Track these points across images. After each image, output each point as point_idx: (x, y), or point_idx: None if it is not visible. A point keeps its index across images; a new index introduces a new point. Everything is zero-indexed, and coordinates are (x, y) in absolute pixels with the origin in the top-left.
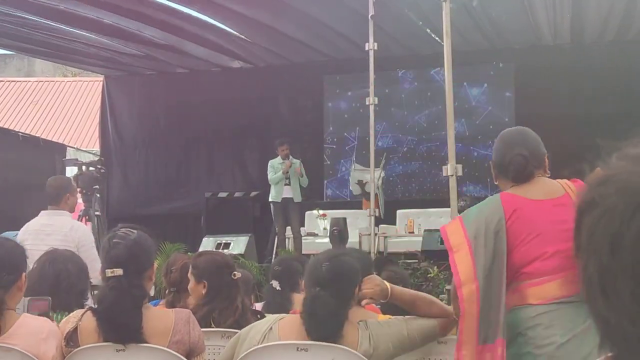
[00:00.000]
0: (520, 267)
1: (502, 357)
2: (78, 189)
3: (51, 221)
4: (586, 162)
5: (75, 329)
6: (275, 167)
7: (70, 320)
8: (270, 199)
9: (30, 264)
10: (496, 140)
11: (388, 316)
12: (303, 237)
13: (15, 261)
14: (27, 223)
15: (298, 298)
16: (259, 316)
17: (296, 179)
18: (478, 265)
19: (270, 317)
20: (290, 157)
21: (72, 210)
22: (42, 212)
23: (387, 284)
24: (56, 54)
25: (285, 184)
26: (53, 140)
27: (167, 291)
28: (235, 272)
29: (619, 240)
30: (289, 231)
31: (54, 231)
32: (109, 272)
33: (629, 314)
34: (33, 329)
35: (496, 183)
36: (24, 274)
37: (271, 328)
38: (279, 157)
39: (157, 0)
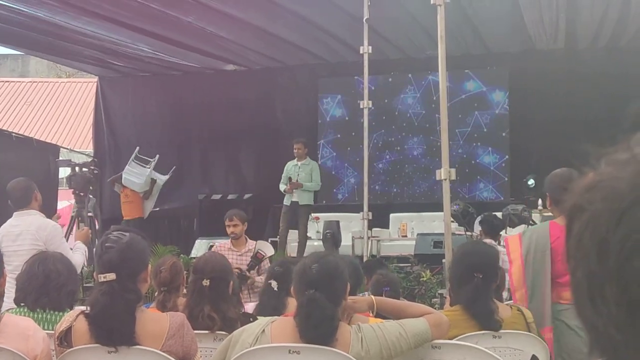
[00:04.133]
0: (556, 277)
1: (550, 340)
2: (71, 190)
3: (19, 221)
4: (575, 167)
5: (69, 329)
6: (288, 170)
7: (65, 320)
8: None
9: (7, 266)
10: (551, 175)
11: (380, 320)
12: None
13: None
14: (2, 226)
15: (293, 302)
16: (251, 319)
17: (307, 182)
18: (527, 275)
19: (262, 320)
20: (308, 157)
21: (41, 206)
22: (14, 213)
23: (373, 297)
24: (51, 51)
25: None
26: (47, 141)
27: (156, 292)
28: (205, 280)
29: (605, 247)
30: (290, 235)
31: (22, 231)
32: (101, 277)
33: (615, 321)
34: (19, 327)
35: (549, 208)
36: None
37: (263, 330)
38: (295, 159)
39: (151, 10)
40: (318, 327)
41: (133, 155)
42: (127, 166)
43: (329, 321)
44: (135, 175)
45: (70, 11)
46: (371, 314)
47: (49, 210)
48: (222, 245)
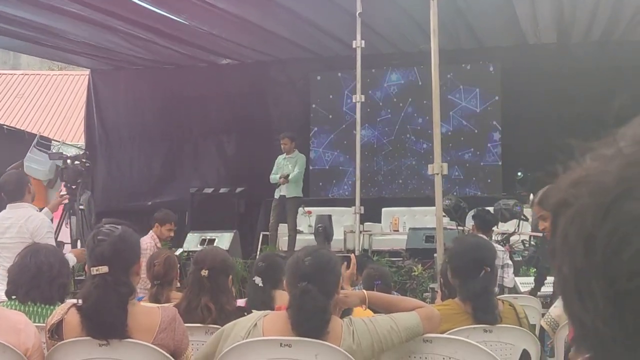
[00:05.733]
0: None
1: None
2: (62, 183)
3: (11, 214)
4: (560, 162)
5: (60, 322)
6: (278, 164)
7: (57, 313)
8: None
9: None
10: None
11: (370, 313)
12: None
13: None
14: None
15: (280, 295)
16: (245, 314)
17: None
18: None
19: (255, 314)
20: (296, 150)
21: (34, 198)
22: (7, 205)
23: (364, 291)
24: (42, 48)
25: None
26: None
27: (150, 285)
28: (204, 270)
29: (592, 241)
30: (280, 229)
31: (12, 224)
32: (94, 270)
33: (602, 315)
34: (11, 321)
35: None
36: None
37: (256, 324)
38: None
39: (144, 8)
40: (310, 320)
41: (34, 141)
42: (28, 153)
43: (321, 314)
44: (38, 162)
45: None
46: (363, 308)
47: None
48: (148, 241)
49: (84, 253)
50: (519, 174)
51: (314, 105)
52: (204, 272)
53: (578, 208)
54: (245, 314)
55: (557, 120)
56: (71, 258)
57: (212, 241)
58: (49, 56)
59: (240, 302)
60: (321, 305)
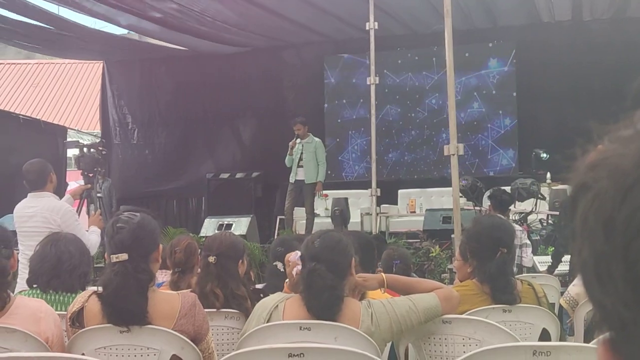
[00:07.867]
0: None
1: None
2: (80, 171)
3: (34, 203)
4: (578, 145)
5: (81, 310)
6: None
7: (78, 301)
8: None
9: (20, 246)
10: None
11: (387, 295)
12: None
13: (6, 238)
14: (16, 206)
15: None
16: (261, 295)
17: (311, 160)
18: None
19: (277, 295)
20: (310, 135)
21: (55, 188)
22: (29, 194)
23: (383, 274)
24: (54, 46)
25: (299, 166)
26: (54, 122)
27: (171, 272)
28: (211, 257)
29: (612, 224)
30: (297, 213)
31: (35, 213)
32: (114, 258)
33: (623, 298)
34: (31, 309)
35: None
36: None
37: (277, 306)
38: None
39: None
40: (319, 297)
41: None
42: None
43: (330, 291)
44: None
45: None
46: (382, 291)
47: (59, 191)
48: None
49: (100, 216)
50: (544, 155)
51: (328, 89)
52: (211, 259)
53: (597, 191)
54: (262, 296)
55: (572, 98)
56: (97, 230)
57: (229, 226)
58: (61, 53)
59: (260, 287)
60: (329, 283)
